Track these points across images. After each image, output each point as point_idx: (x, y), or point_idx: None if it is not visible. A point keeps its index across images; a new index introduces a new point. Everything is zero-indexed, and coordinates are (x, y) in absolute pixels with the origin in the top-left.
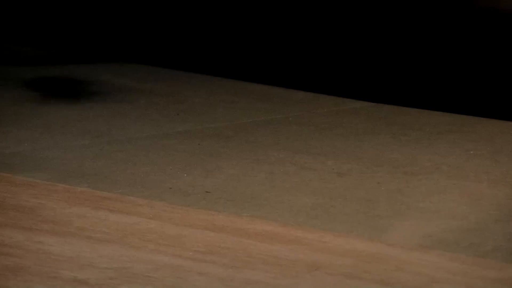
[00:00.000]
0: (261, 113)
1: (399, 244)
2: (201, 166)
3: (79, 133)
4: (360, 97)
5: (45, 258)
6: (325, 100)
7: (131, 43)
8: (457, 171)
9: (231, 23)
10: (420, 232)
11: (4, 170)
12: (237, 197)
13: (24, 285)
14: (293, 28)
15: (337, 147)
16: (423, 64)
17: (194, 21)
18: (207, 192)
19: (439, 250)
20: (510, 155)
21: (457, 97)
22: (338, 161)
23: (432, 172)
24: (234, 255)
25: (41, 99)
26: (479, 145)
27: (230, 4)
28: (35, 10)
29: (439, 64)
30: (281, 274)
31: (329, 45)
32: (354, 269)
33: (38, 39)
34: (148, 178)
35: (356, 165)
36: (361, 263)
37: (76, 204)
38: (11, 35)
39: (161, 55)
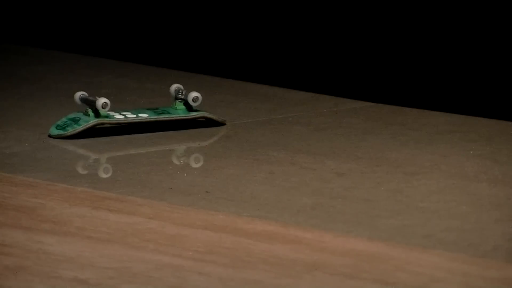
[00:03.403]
0: (261, 113)
1: (399, 244)
2: (201, 166)
3: (79, 133)
4: (360, 97)
5: (45, 258)
6: (325, 100)
7: (131, 43)
8: (457, 171)
9: (231, 23)
10: (420, 232)
11: (4, 170)
12: (237, 197)
13: (24, 285)
14: (293, 28)
15: (337, 147)
16: (423, 64)
17: (194, 21)
18: (207, 192)
19: (439, 250)
20: (510, 155)
21: (457, 97)
22: (338, 161)
23: (432, 172)
24: (234, 255)
25: (42, 99)
26: (479, 145)
27: (230, 4)
28: (35, 8)
29: (438, 64)
30: (281, 274)
31: (329, 45)
32: (354, 269)
33: (38, 38)
34: (148, 178)
35: (356, 165)
36: (361, 263)
37: (76, 204)
38: (11, 34)
39: (162, 55)
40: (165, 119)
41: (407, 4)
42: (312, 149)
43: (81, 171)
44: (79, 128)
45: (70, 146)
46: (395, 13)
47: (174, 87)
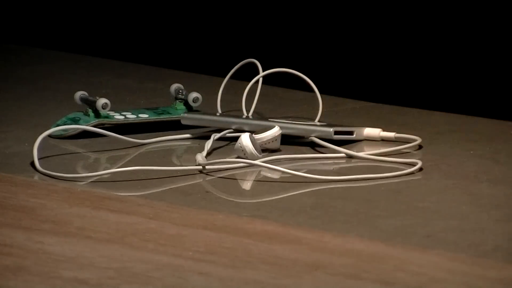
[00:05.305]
0: (261, 113)
1: (399, 244)
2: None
3: (79, 133)
4: (360, 97)
5: (45, 258)
6: (325, 100)
7: (131, 43)
8: (457, 171)
9: (231, 23)
10: (420, 232)
11: (4, 170)
12: (237, 197)
13: (24, 285)
14: (293, 28)
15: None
16: (423, 64)
17: (194, 21)
18: (207, 192)
19: (439, 250)
20: (510, 155)
21: (457, 97)
22: (338, 161)
23: (432, 172)
24: (234, 255)
25: (42, 99)
26: (479, 145)
27: (230, 4)
28: (35, 8)
29: (438, 64)
30: (281, 274)
31: (329, 45)
32: (354, 269)
33: (38, 38)
34: (148, 178)
35: (356, 165)
36: (361, 263)
37: (76, 204)
38: (11, 34)
39: (161, 55)
40: (166, 119)
41: (407, 4)
42: None
43: (81, 171)
44: (79, 128)
45: (70, 146)
46: (395, 13)
47: (174, 87)
